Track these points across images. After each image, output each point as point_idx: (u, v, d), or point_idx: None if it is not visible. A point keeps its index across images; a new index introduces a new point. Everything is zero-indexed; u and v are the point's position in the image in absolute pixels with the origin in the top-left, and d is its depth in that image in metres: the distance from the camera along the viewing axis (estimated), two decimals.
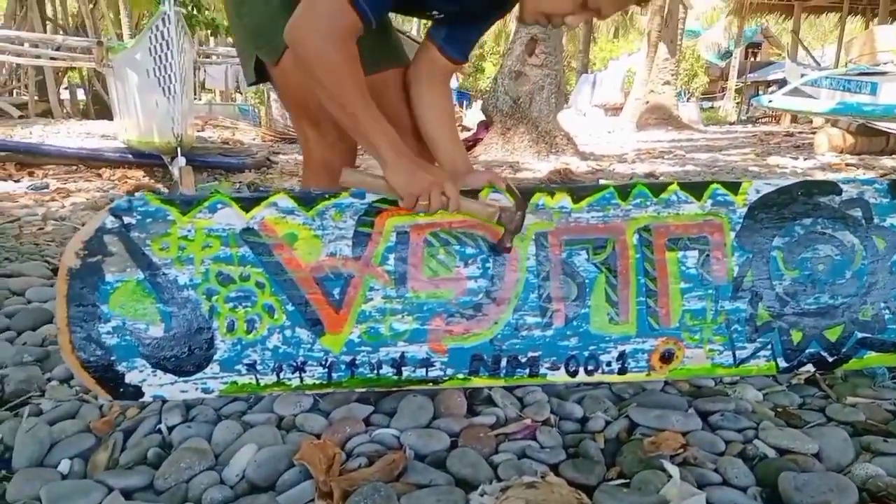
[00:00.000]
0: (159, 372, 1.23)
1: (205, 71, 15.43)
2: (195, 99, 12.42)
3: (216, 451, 1.19)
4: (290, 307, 1.26)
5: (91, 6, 9.59)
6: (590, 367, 1.34)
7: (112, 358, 1.22)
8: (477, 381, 1.32)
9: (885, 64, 7.66)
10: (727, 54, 23.10)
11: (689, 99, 20.94)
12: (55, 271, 2.32)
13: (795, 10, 14.57)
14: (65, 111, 11.22)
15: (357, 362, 1.28)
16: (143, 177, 4.93)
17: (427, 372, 1.30)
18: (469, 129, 10.26)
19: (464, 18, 1.46)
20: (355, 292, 1.29)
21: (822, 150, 7.43)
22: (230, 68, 15.28)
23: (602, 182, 4.54)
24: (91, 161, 5.16)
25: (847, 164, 6.20)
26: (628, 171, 5.84)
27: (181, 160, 4.34)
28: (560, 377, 1.33)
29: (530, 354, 1.32)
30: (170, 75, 4.27)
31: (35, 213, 3.50)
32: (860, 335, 1.40)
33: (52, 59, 8.45)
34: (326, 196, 1.30)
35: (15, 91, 11.77)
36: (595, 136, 11.25)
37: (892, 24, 12.48)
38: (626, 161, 6.91)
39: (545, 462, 1.15)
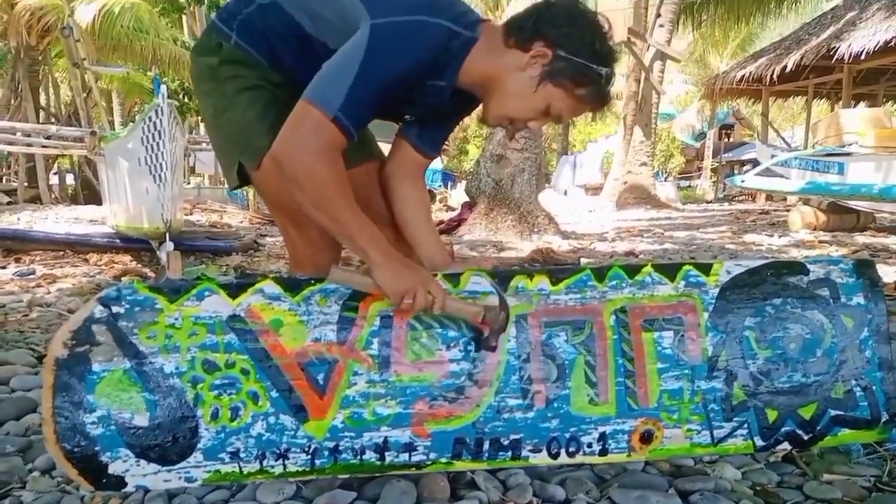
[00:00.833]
0: (143, 461, 1.23)
1: (195, 156, 15.73)
2: (185, 183, 12.61)
3: None
4: (274, 393, 1.28)
5: (85, 95, 9.87)
6: (571, 449, 1.35)
7: (96, 448, 1.22)
8: (460, 465, 1.33)
9: (850, 145, 7.99)
10: (701, 135, 23.93)
11: (666, 178, 21.53)
12: (40, 359, 2.32)
13: (763, 94, 15.25)
14: (53, 196, 11.33)
15: (340, 448, 1.29)
16: (131, 261, 4.95)
17: (410, 456, 1.31)
18: (454, 209, 10.45)
19: (433, 118, 1.57)
20: (339, 377, 1.31)
21: (796, 227, 7.64)
22: None
23: (584, 261, 4.63)
24: (79, 246, 5.18)
25: (820, 241, 6.36)
26: (609, 250, 5.96)
27: (169, 245, 4.38)
28: (542, 459, 1.35)
29: (512, 437, 1.34)
30: (161, 163, 4.38)
31: (20, 300, 3.50)
32: (833, 412, 1.43)
33: (43, 147, 8.61)
34: (312, 282, 1.34)
35: (4, 178, 11.90)
36: (576, 216, 11.48)
37: (854, 107, 13.10)
38: (607, 239, 7.05)
39: None
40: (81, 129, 7.07)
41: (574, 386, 1.37)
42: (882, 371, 1.46)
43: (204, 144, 12.85)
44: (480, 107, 1.46)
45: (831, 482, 1.39)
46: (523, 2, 7.56)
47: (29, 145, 8.61)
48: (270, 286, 1.32)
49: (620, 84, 12.44)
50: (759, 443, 1.40)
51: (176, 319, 1.28)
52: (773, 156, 9.21)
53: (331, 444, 1.29)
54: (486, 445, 1.33)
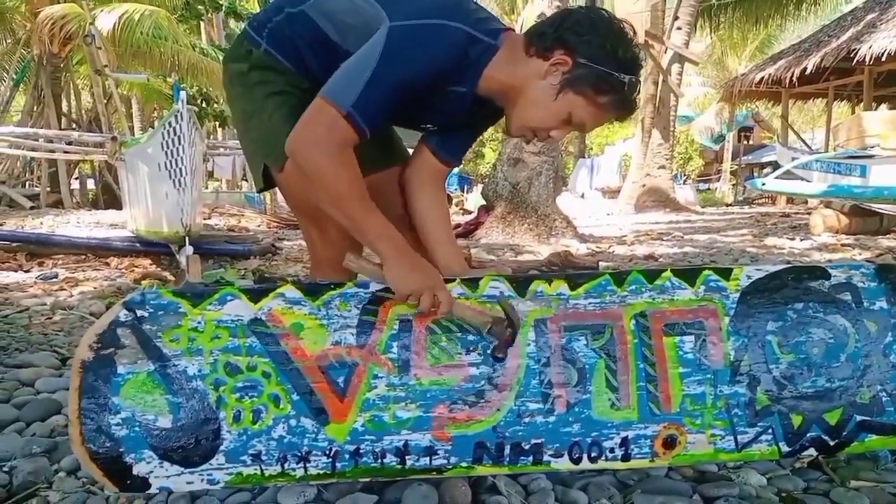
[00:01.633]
0: (166, 463, 1.24)
1: (213, 161, 15.89)
2: (203, 188, 12.73)
3: None
4: (295, 396, 1.29)
5: (105, 102, 10.01)
6: (593, 454, 1.34)
7: (121, 449, 1.23)
8: (481, 470, 1.33)
9: (872, 147, 7.89)
10: (720, 138, 23.78)
11: (685, 181, 21.39)
12: (64, 361, 2.35)
13: (783, 96, 15.09)
14: (75, 201, 11.48)
15: (361, 451, 1.29)
16: (151, 265, 5.01)
17: (431, 460, 1.31)
18: (470, 213, 10.45)
19: (455, 127, 1.57)
20: (359, 380, 1.32)
21: (818, 230, 7.55)
22: (237, 158, 15.75)
23: (602, 265, 4.60)
24: (100, 250, 5.25)
25: (843, 245, 6.28)
26: (628, 253, 5.92)
27: (189, 249, 4.42)
28: (564, 465, 1.34)
29: (533, 441, 1.33)
30: (181, 168, 4.43)
31: (44, 303, 3.55)
32: (859, 418, 1.41)
33: (65, 152, 8.73)
34: (332, 286, 1.35)
35: (27, 183, 12.08)
36: (594, 219, 11.43)
37: (876, 109, 12.93)
38: (626, 243, 7.01)
39: None
40: (102, 134, 7.16)
41: (595, 390, 1.37)
42: None
43: (222, 150, 12.98)
44: (504, 118, 1.46)
45: (858, 489, 1.37)
46: (539, 6, 7.57)
47: (51, 151, 8.74)
48: (291, 291, 1.33)
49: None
50: (785, 448, 1.38)
51: (199, 323, 1.29)
52: (793, 158, 9.12)
53: (351, 448, 1.29)
54: (507, 450, 1.33)
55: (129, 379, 1.25)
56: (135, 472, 1.23)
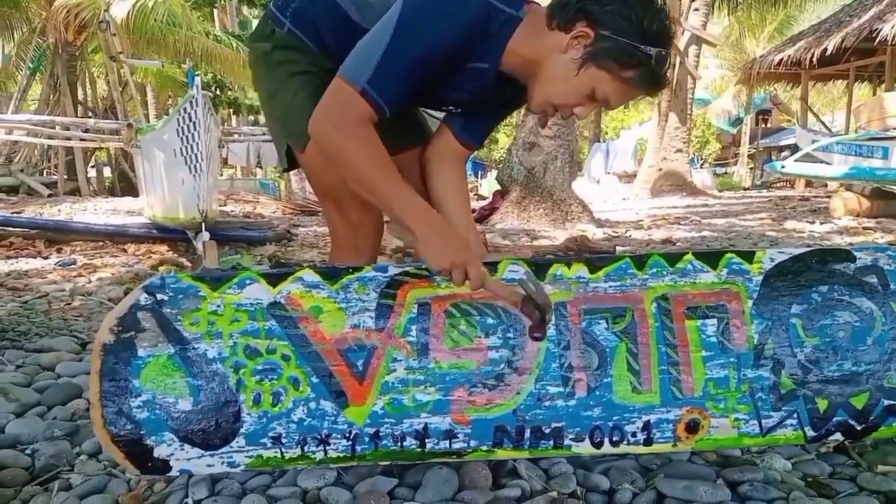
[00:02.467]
0: (187, 446, 1.25)
1: (228, 148, 15.94)
2: (218, 175, 12.78)
3: None
4: (314, 379, 1.28)
5: (121, 90, 10.06)
6: (615, 438, 1.33)
7: (141, 432, 1.23)
8: (501, 454, 1.32)
9: (894, 129, 7.74)
10: (738, 121, 23.46)
11: (702, 165, 21.16)
12: (84, 346, 2.37)
13: (802, 78, 14.84)
14: (92, 189, 11.58)
15: (381, 434, 1.29)
16: (168, 251, 5.04)
17: (451, 444, 1.30)
18: (485, 199, 10.41)
19: (479, 108, 1.53)
20: (378, 363, 1.31)
21: (839, 213, 7.44)
22: (251, 145, 15.78)
23: (619, 249, 4.57)
24: (117, 237, 5.30)
25: (865, 228, 6.19)
26: (645, 238, 5.88)
27: (205, 235, 4.44)
28: (585, 449, 1.32)
29: (554, 425, 1.32)
30: (196, 154, 4.44)
31: (63, 289, 3.59)
32: (887, 402, 1.38)
33: (81, 140, 8.80)
34: (350, 270, 1.34)
35: (45, 171, 12.20)
36: (610, 204, 11.35)
37: None
38: (643, 227, 6.96)
39: None
40: (118, 121, 7.20)
41: (616, 374, 1.35)
42: None
43: (236, 136, 13.03)
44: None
45: (886, 473, 1.34)
46: None
47: (68, 139, 8.80)
48: (310, 275, 1.33)
49: None
50: (810, 433, 1.36)
51: (218, 306, 1.29)
52: (813, 141, 8.98)
53: (371, 431, 1.28)
54: (528, 434, 1.32)
55: (150, 362, 1.25)
56: (156, 454, 1.24)
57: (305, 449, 1.27)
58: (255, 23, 19.55)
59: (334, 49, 1.45)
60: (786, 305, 1.40)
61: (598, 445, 1.32)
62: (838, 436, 1.37)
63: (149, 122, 10.38)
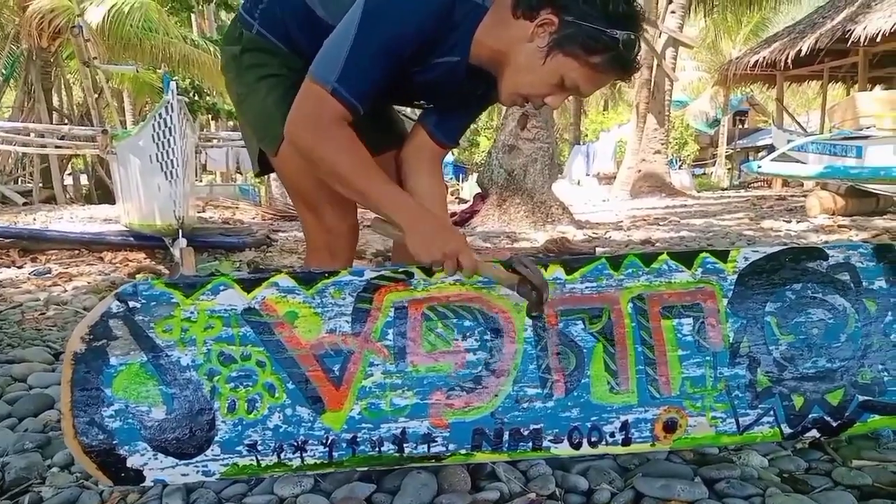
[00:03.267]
0: (161, 455, 1.23)
1: (206, 153, 15.82)
2: (196, 181, 12.68)
3: None
4: (290, 385, 1.27)
5: (96, 96, 9.94)
6: (593, 439, 1.33)
7: (114, 442, 1.21)
8: (480, 457, 1.31)
9: (867, 128, 7.88)
10: (715, 122, 23.71)
11: (681, 166, 21.37)
12: (57, 356, 2.33)
13: (778, 79, 15.05)
14: (68, 197, 11.43)
15: (358, 440, 1.28)
16: (145, 259, 4.98)
17: (429, 448, 1.29)
18: (466, 202, 10.42)
19: (452, 105, 1.53)
20: (355, 368, 1.30)
21: (815, 212, 7.54)
22: (231, 150, 15.68)
23: (599, 250, 4.59)
24: (93, 245, 5.22)
25: (840, 226, 6.27)
26: (624, 239, 5.91)
27: (182, 241, 4.40)
28: (564, 450, 1.32)
29: (532, 427, 1.32)
30: (172, 160, 4.39)
31: (37, 299, 3.53)
32: (861, 398, 1.40)
33: (57, 147, 8.68)
34: (326, 275, 1.33)
35: (20, 179, 12.02)
36: (590, 205, 11.42)
37: (871, 90, 12.90)
38: (622, 228, 7.00)
39: None
40: (94, 128, 7.11)
41: (594, 374, 1.35)
42: None
43: (215, 141, 12.93)
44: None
45: (861, 468, 1.36)
46: None
47: (43, 146, 8.68)
48: (285, 280, 1.31)
49: None
50: (787, 430, 1.37)
51: (191, 313, 1.27)
52: (789, 141, 9.10)
53: (348, 436, 1.27)
54: (506, 436, 1.31)
55: (122, 370, 1.23)
56: (129, 464, 1.22)
57: (282, 456, 1.26)
58: None
59: (304, 48, 1.43)
60: (760, 303, 1.42)
61: (577, 446, 1.32)
62: (814, 433, 1.39)
63: (125, 128, 10.27)
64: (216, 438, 1.24)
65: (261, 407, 1.26)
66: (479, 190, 7.88)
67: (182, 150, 4.39)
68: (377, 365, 1.30)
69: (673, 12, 12.97)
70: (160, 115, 4.44)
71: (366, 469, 1.32)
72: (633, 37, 1.23)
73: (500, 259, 1.35)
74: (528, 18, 1.25)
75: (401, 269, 1.34)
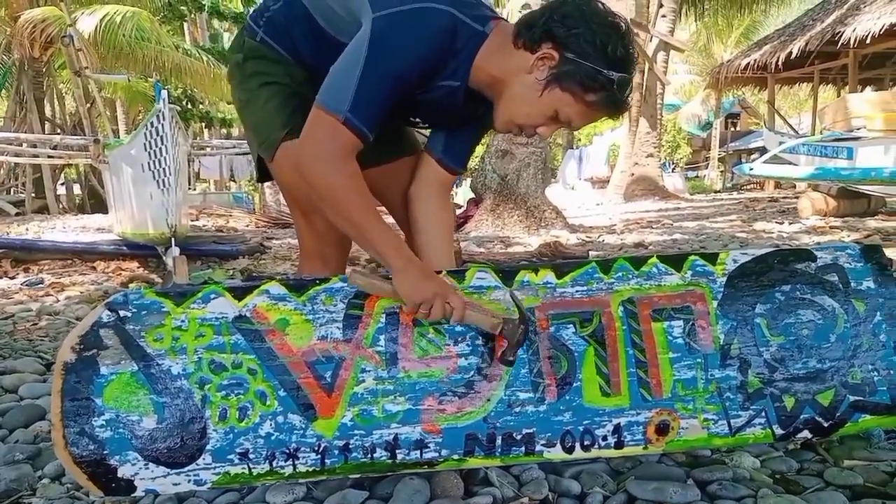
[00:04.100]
0: (152, 465, 1.22)
1: (199, 162, 15.80)
2: (190, 189, 12.66)
3: None
4: (282, 392, 1.27)
5: (88, 106, 9.94)
6: (586, 443, 1.33)
7: (105, 452, 1.21)
8: (473, 462, 1.31)
9: (858, 129, 7.93)
10: (707, 125, 23.82)
11: (673, 169, 21.44)
12: (49, 367, 2.32)
13: (769, 81, 15.11)
14: (61, 206, 11.40)
15: (350, 446, 1.27)
16: (138, 268, 4.96)
17: (422, 454, 1.29)
18: (460, 207, 10.42)
19: (457, 129, 1.54)
20: (347, 375, 1.30)
21: (807, 213, 7.57)
22: (224, 158, 15.66)
23: (592, 254, 4.60)
24: (86, 254, 5.20)
25: (831, 227, 6.30)
26: (618, 242, 5.92)
27: (175, 250, 4.38)
28: (557, 454, 1.32)
29: (525, 431, 1.32)
30: (164, 168, 4.38)
31: (29, 309, 3.51)
32: (852, 398, 1.41)
33: (49, 157, 8.65)
34: (317, 282, 1.33)
35: (12, 189, 11.98)
36: (583, 209, 11.44)
37: (861, 91, 12.99)
38: (615, 232, 7.02)
39: None
40: (86, 137, 7.09)
41: (585, 378, 1.35)
42: None
43: (208, 149, 12.91)
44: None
45: (852, 468, 1.36)
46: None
47: (35, 156, 8.65)
48: (276, 287, 1.31)
49: None
50: (779, 431, 1.37)
51: (182, 322, 1.27)
52: (781, 143, 9.14)
53: (341, 443, 1.27)
54: (499, 441, 1.31)
55: (113, 380, 1.23)
56: (120, 474, 1.21)
57: (274, 464, 1.26)
58: (226, 36, 19.44)
59: (307, 57, 1.46)
60: (750, 305, 1.42)
61: (570, 450, 1.32)
62: (806, 433, 1.39)
63: (118, 137, 10.25)
64: (207, 447, 1.24)
65: (252, 415, 1.26)
66: (472, 195, 7.88)
67: (174, 159, 4.38)
68: (369, 371, 1.30)
69: (664, 16, 13.03)
70: (152, 123, 4.42)
71: (358, 476, 1.32)
72: (627, 78, 1.27)
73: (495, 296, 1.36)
74: (529, 50, 1.28)
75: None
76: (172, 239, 4.43)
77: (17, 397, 1.97)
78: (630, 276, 1.41)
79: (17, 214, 9.57)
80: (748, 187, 17.19)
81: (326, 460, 1.27)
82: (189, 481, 1.23)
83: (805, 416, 1.39)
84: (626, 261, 1.43)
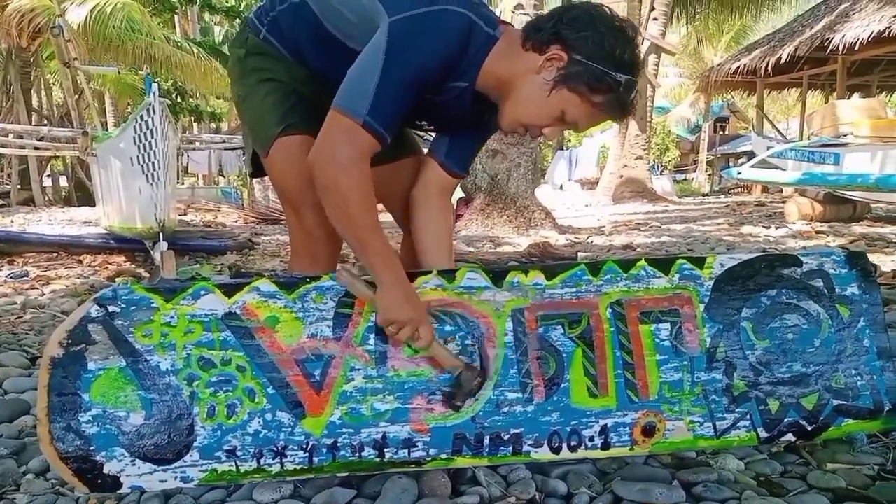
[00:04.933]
0: (138, 461, 1.22)
1: (188, 156, 15.69)
2: (178, 183, 12.57)
3: None
4: (270, 390, 1.27)
5: (76, 97, 9.85)
6: (573, 443, 1.34)
7: (91, 448, 1.20)
8: (460, 461, 1.32)
9: (845, 135, 8.00)
10: (696, 128, 23.98)
11: (662, 172, 21.54)
12: (33, 361, 2.30)
13: (758, 86, 15.22)
14: (47, 199, 11.29)
15: (339, 445, 1.28)
16: (125, 262, 4.93)
17: (410, 453, 1.30)
18: None
19: (461, 132, 1.54)
20: (336, 373, 1.30)
21: (793, 218, 7.64)
22: (213, 153, 15.56)
23: (581, 255, 4.62)
24: (72, 248, 5.15)
25: (817, 232, 6.36)
26: (606, 244, 5.95)
27: (163, 245, 4.35)
28: (544, 455, 1.33)
29: (513, 431, 1.33)
30: (153, 162, 4.35)
31: (14, 302, 3.48)
32: (836, 402, 1.42)
33: (36, 148, 8.56)
34: (308, 280, 1.33)
35: None
36: (572, 210, 11.47)
37: (849, 98, 13.11)
38: (604, 233, 7.05)
39: None
40: (73, 129, 7.03)
41: (573, 379, 1.36)
42: (882, 360, 1.46)
43: (197, 144, 12.83)
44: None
45: (835, 471, 1.38)
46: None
47: (21, 147, 8.56)
48: (266, 285, 1.31)
49: None
50: (763, 434, 1.39)
51: (171, 318, 1.26)
52: (769, 147, 9.21)
53: (329, 441, 1.27)
54: (487, 441, 1.32)
55: (100, 375, 1.22)
56: (105, 471, 1.21)
57: (261, 462, 1.25)
58: (216, 29, 19.31)
59: (310, 59, 1.46)
60: (736, 309, 1.44)
61: (557, 451, 1.33)
62: (790, 436, 1.41)
63: (107, 129, 10.16)
64: (195, 444, 1.23)
65: (240, 412, 1.25)
66: (462, 194, 7.89)
67: (163, 153, 4.35)
68: (358, 370, 1.31)
69: (655, 19, 13.09)
70: (141, 117, 4.39)
71: (346, 474, 1.32)
72: (633, 81, 1.29)
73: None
74: (538, 51, 1.29)
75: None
76: (160, 233, 4.40)
77: (2, 391, 1.96)
78: (619, 279, 1.42)
79: (1, 206, 9.48)
80: (736, 191, 17.32)
81: (314, 458, 1.27)
82: (176, 478, 1.23)
83: (789, 419, 1.41)
84: (615, 263, 1.44)
